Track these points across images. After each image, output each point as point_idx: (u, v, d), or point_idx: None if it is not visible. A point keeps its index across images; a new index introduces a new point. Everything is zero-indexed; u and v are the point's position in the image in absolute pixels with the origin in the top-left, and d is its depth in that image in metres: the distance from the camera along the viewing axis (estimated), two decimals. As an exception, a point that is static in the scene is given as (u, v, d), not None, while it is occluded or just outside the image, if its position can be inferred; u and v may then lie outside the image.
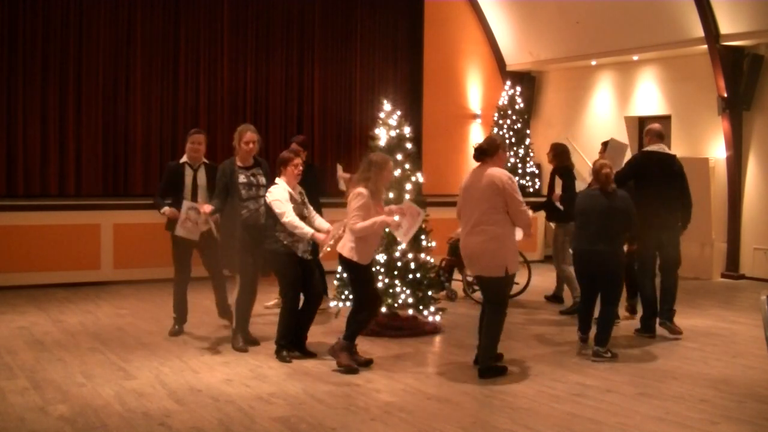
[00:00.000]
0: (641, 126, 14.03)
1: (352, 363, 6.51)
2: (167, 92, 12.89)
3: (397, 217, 6.56)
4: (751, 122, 11.99)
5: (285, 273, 6.84)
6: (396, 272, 7.65)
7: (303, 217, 6.76)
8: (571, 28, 14.00)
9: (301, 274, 6.84)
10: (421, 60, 15.19)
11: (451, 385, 6.20)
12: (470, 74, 15.82)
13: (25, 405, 5.50)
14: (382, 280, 7.70)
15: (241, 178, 7.03)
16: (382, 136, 7.87)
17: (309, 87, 14.13)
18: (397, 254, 7.66)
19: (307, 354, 6.91)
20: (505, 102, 15.20)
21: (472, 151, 6.76)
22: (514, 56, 15.59)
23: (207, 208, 6.96)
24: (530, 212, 6.60)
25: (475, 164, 6.52)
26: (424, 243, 7.86)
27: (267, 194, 6.78)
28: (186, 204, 7.24)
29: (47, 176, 12.00)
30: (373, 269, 7.74)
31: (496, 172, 6.32)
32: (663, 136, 8.21)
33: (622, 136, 13.56)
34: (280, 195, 6.67)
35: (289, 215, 6.58)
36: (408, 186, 7.69)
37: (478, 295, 9.03)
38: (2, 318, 8.40)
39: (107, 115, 12.41)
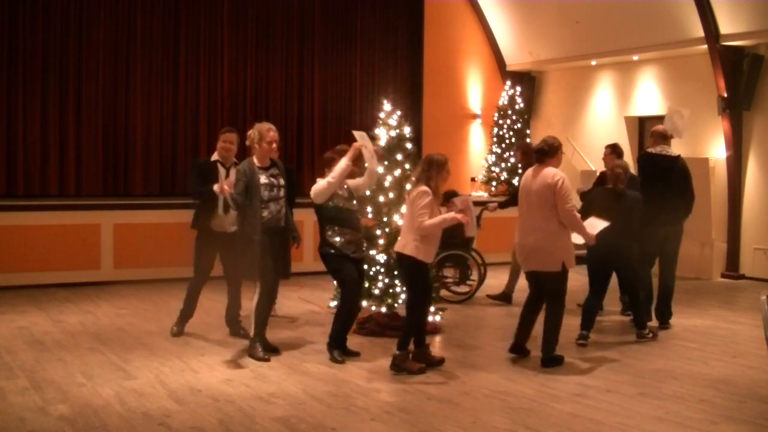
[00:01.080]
0: (641, 126, 14.04)
1: (421, 364, 6.52)
2: (167, 92, 12.88)
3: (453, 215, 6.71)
4: (751, 122, 11.99)
5: (344, 276, 6.86)
6: (396, 272, 7.64)
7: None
8: (571, 28, 14.00)
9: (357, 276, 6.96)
10: (421, 60, 15.18)
11: (451, 385, 6.21)
12: (470, 74, 15.81)
13: (25, 405, 5.50)
14: (382, 280, 7.70)
15: (262, 179, 6.76)
16: (382, 136, 7.87)
17: (309, 87, 14.12)
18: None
19: (351, 354, 6.93)
20: (505, 102, 15.20)
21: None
22: (514, 56, 15.59)
23: (229, 181, 6.70)
24: (577, 214, 6.84)
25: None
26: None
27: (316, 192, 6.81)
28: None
29: (47, 176, 11.99)
30: (374, 269, 7.76)
31: (551, 172, 6.68)
32: (667, 138, 8.35)
33: (622, 136, 13.58)
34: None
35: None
36: (408, 186, 7.68)
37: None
38: (2, 318, 8.40)
39: (107, 115, 12.39)
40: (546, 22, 14.53)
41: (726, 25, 11.56)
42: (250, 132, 6.93)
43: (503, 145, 15.03)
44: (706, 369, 6.78)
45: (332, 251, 6.85)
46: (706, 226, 11.95)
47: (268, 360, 6.74)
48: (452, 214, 6.57)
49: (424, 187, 6.43)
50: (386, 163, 7.80)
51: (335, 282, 7.35)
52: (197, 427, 5.15)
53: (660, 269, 8.42)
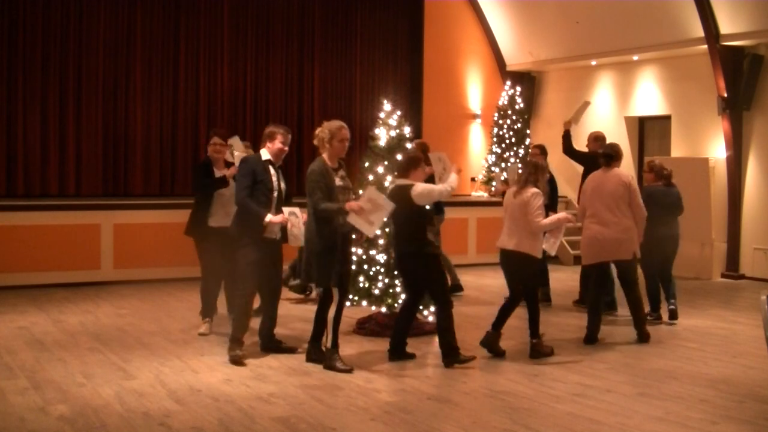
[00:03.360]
0: (641, 126, 14.05)
1: (551, 346, 7.12)
2: (167, 92, 12.88)
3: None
4: (751, 122, 11.99)
5: (439, 277, 6.81)
6: (396, 272, 7.64)
7: None
8: (571, 28, 14.00)
9: None
10: (421, 60, 15.18)
11: (451, 385, 6.21)
12: (470, 74, 15.81)
13: (25, 405, 5.50)
14: (382, 280, 7.70)
15: (337, 181, 6.49)
16: (382, 136, 7.88)
17: (309, 87, 14.12)
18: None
19: (407, 356, 6.91)
20: (505, 102, 15.19)
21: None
22: (514, 56, 15.59)
23: (304, 216, 6.59)
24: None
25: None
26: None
27: (422, 193, 6.56)
28: (286, 209, 6.68)
29: (47, 176, 12.00)
30: (374, 269, 7.76)
31: (624, 173, 7.81)
32: (604, 140, 9.32)
33: (622, 136, 13.59)
34: (433, 186, 6.79)
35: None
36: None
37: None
38: (2, 318, 8.40)
39: (107, 115, 12.40)
40: (546, 22, 14.53)
41: (726, 25, 11.57)
42: (318, 131, 6.60)
43: (503, 145, 15.02)
44: (706, 369, 6.78)
45: (435, 252, 6.90)
46: (706, 226, 11.95)
47: (351, 371, 6.42)
48: (564, 214, 7.22)
49: (537, 189, 6.94)
50: (386, 163, 7.80)
51: (430, 285, 6.81)
52: (197, 427, 5.15)
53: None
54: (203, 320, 7.81)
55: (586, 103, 10.13)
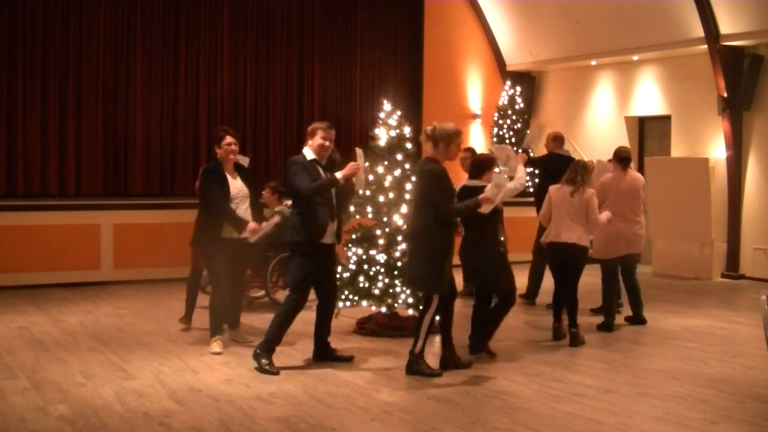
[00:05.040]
0: (641, 126, 14.05)
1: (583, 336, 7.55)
2: (167, 92, 12.88)
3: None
4: (751, 122, 11.98)
5: (508, 273, 7.02)
6: (396, 272, 7.64)
7: None
8: (571, 28, 14.00)
9: None
10: (421, 60, 15.18)
11: (451, 385, 6.20)
12: (470, 74, 15.81)
13: (25, 405, 5.50)
14: (382, 280, 7.70)
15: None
16: (382, 136, 7.87)
17: (309, 87, 14.12)
18: (397, 254, 7.66)
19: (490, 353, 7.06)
20: (505, 102, 15.20)
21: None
22: (514, 56, 15.59)
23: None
24: None
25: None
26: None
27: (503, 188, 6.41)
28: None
29: (47, 176, 12.00)
30: (374, 269, 7.76)
31: (639, 175, 8.74)
32: (564, 141, 9.74)
33: (622, 136, 13.59)
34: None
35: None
36: (408, 186, 7.68)
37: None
38: (2, 318, 8.40)
39: (107, 115, 12.40)
40: (546, 22, 14.53)
41: (726, 25, 11.56)
42: (430, 129, 6.41)
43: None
44: (706, 369, 6.78)
45: (504, 251, 7.14)
46: (706, 226, 11.96)
47: (440, 374, 6.38)
48: (608, 213, 7.81)
49: (593, 190, 7.70)
50: (386, 163, 7.80)
51: (498, 281, 6.93)
52: (197, 427, 5.15)
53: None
54: (214, 338, 7.07)
55: (539, 128, 10.30)
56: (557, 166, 8.57)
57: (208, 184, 7.01)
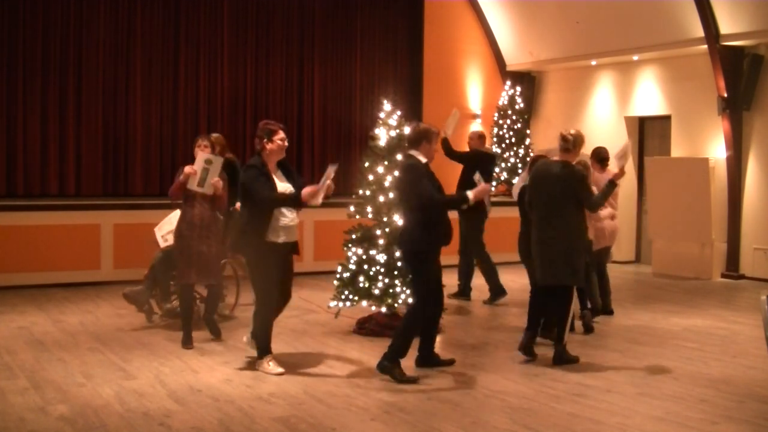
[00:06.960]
0: (641, 126, 14.05)
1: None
2: (167, 92, 12.88)
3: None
4: (751, 122, 11.99)
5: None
6: (396, 272, 7.64)
7: None
8: (571, 28, 14.00)
9: None
10: (421, 60, 15.17)
11: (451, 385, 6.21)
12: (470, 74, 15.81)
13: (25, 405, 5.50)
14: (382, 280, 7.70)
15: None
16: (382, 136, 7.88)
17: (309, 87, 14.12)
18: (397, 254, 7.65)
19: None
20: (505, 102, 15.20)
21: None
22: (514, 56, 15.59)
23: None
24: None
25: None
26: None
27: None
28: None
29: (47, 176, 11.99)
30: (374, 269, 7.76)
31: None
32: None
33: (622, 136, 13.59)
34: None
35: None
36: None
37: None
38: (2, 318, 8.40)
39: (107, 115, 12.40)
40: (546, 22, 14.53)
41: (726, 25, 11.56)
42: (568, 134, 7.01)
43: (503, 145, 15.03)
44: (706, 369, 6.79)
45: None
46: (706, 226, 11.96)
47: (578, 360, 6.88)
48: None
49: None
50: (386, 163, 7.81)
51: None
52: (197, 427, 5.15)
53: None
54: (266, 358, 6.41)
55: (456, 113, 10.27)
56: (480, 163, 9.11)
57: (251, 181, 6.23)
